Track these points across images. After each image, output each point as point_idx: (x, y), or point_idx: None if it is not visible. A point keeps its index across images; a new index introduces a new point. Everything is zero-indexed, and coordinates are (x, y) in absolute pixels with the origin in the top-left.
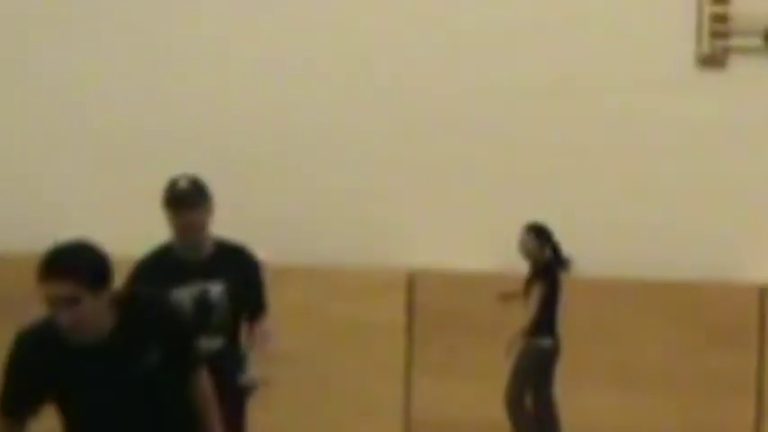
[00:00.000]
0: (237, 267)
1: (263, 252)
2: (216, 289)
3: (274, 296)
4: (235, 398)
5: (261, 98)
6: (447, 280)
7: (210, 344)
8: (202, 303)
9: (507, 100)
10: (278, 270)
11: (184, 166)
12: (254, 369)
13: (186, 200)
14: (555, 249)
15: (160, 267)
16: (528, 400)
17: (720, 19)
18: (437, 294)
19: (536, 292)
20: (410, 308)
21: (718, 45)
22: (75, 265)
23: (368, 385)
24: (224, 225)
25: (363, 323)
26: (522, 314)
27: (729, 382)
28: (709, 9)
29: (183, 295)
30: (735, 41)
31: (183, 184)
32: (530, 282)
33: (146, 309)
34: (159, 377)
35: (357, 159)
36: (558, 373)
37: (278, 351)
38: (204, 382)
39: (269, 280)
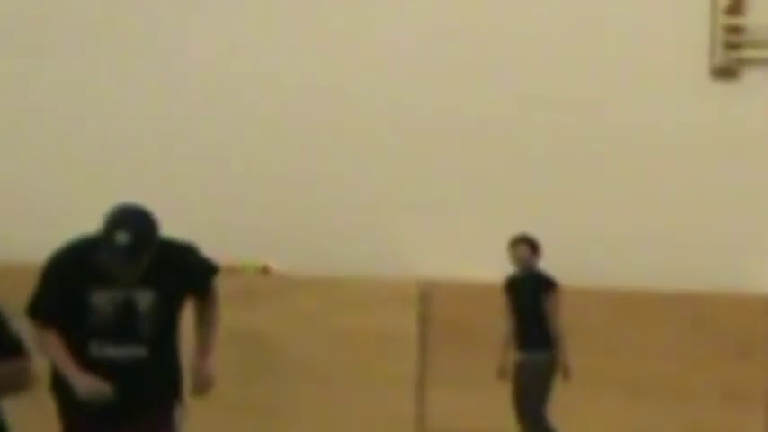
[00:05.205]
0: (172, 270)
1: (275, 263)
2: (145, 297)
3: (287, 307)
4: (159, 413)
5: (271, 110)
6: (460, 291)
7: (131, 352)
8: (126, 311)
9: (521, 112)
10: (291, 281)
11: (193, 177)
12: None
13: (126, 255)
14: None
15: (82, 264)
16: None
17: (734, 30)
18: (450, 305)
19: (557, 305)
20: (423, 319)
21: (731, 56)
22: None
23: (381, 396)
24: (237, 236)
25: (376, 334)
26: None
27: (739, 392)
28: (722, 20)
29: (103, 301)
30: (748, 53)
31: (122, 239)
32: (534, 294)
33: None
34: None
35: (370, 171)
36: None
37: (290, 363)
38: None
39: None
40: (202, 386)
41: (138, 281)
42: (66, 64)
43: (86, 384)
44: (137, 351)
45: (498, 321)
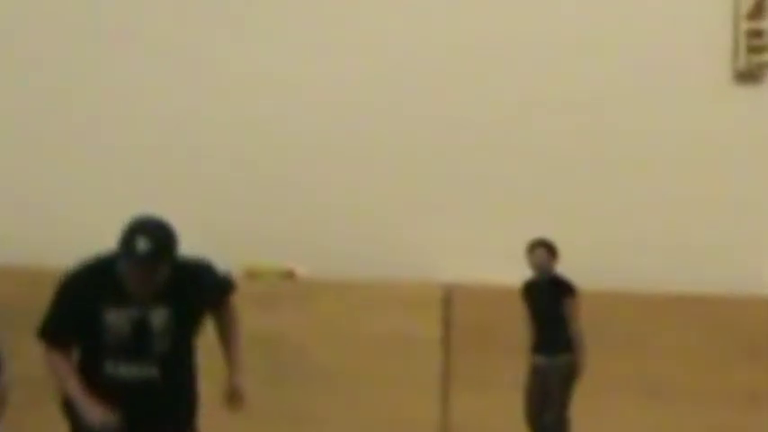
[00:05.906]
0: (188, 288)
1: (298, 267)
2: (160, 316)
3: (310, 311)
4: None
5: (293, 113)
6: (484, 294)
7: (145, 371)
8: (141, 330)
9: (543, 115)
10: (314, 285)
11: (212, 182)
12: None
13: (147, 263)
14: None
15: (97, 283)
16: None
17: (757, 34)
18: (474, 309)
19: (575, 309)
20: (447, 322)
21: (754, 60)
22: None
23: (403, 400)
24: (260, 240)
25: (400, 338)
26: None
27: (752, 395)
28: (745, 25)
29: (119, 320)
30: None
31: (143, 246)
32: (552, 298)
33: None
34: None
35: (393, 175)
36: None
37: (313, 367)
38: None
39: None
40: (233, 401)
41: (153, 299)
42: (67, 65)
43: (96, 415)
44: (151, 370)
45: (521, 325)
